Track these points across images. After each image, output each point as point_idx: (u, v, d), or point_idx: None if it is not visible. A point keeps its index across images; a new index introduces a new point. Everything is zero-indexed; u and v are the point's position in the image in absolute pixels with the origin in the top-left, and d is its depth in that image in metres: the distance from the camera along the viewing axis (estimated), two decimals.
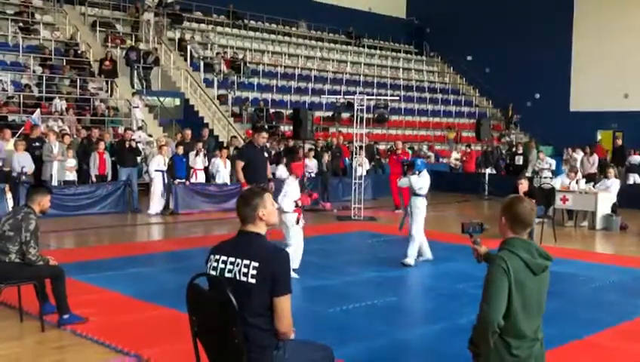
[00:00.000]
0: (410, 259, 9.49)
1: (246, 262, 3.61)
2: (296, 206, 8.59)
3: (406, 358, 5.73)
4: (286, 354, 3.66)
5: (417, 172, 9.72)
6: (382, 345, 6.02)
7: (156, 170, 15.07)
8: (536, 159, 19.65)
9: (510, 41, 30.76)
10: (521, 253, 3.55)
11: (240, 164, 10.34)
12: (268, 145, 19.38)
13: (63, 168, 14.80)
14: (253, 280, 3.56)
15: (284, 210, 8.49)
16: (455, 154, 23.67)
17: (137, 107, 20.18)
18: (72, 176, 15.08)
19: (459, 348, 5.93)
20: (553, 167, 17.26)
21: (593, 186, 14.85)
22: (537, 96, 31.23)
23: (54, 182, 14.50)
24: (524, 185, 11.91)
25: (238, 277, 3.60)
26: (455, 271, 9.33)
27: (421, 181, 9.61)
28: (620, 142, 22.23)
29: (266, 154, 10.93)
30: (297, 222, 8.63)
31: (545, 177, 17.57)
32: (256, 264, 3.58)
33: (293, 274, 8.60)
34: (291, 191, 8.63)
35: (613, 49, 28.01)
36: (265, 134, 11.08)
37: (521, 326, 3.50)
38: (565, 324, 6.36)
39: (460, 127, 29.77)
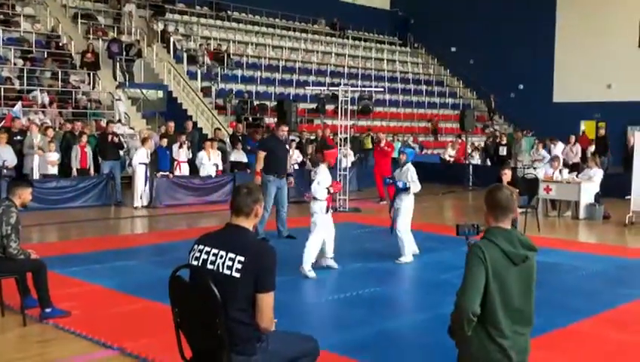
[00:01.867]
0: (406, 257, 9.27)
1: (231, 255, 3.56)
2: (328, 193, 8.64)
3: (391, 348, 5.73)
4: (270, 345, 3.65)
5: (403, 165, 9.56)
6: (366, 335, 6.02)
7: (140, 163, 14.97)
8: (530, 150, 19.73)
9: (494, 32, 30.83)
10: (500, 241, 3.49)
11: (261, 153, 10.52)
12: (258, 137, 19.41)
13: (44, 161, 14.67)
14: (237, 274, 3.51)
15: (317, 198, 8.60)
16: (450, 151, 23.52)
17: (120, 100, 20.04)
18: (53, 169, 14.94)
19: (442, 338, 5.96)
20: (546, 161, 17.29)
21: (576, 176, 14.94)
22: (521, 87, 31.37)
23: (36, 176, 14.38)
24: (507, 175, 11.94)
25: (221, 270, 3.55)
26: (439, 262, 9.36)
27: (414, 175, 9.23)
28: (602, 132, 22.37)
29: (287, 147, 11.09)
30: (327, 211, 8.69)
31: (528, 167, 17.64)
32: (242, 258, 3.54)
33: (332, 264, 8.69)
34: (324, 178, 8.65)
35: (596, 40, 28.17)
36: (285, 127, 11.32)
37: (499, 316, 3.46)
38: (548, 313, 6.38)
39: (445, 118, 29.84)
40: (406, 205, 9.32)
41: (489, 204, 3.64)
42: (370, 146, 22.47)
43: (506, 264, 3.47)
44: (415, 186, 9.27)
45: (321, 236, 8.60)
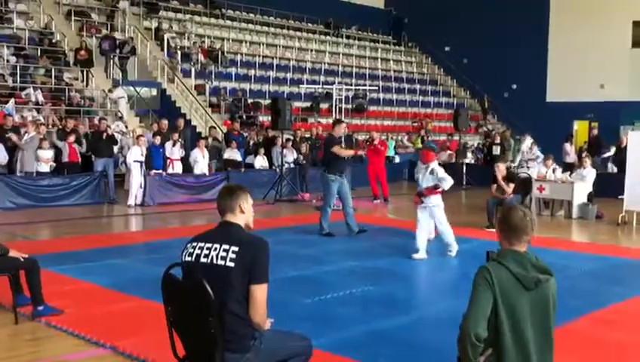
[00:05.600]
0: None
1: (225, 246, 3.59)
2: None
3: (384, 347, 5.73)
4: (263, 344, 3.64)
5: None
6: (360, 334, 6.01)
7: (135, 161, 14.94)
8: (517, 149, 19.76)
9: (488, 32, 30.85)
10: (510, 264, 3.29)
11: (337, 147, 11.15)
12: (246, 135, 19.42)
13: (34, 158, 14.56)
14: (231, 264, 3.53)
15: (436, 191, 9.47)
16: (444, 156, 23.58)
17: (123, 97, 20.01)
18: (47, 167, 14.87)
19: (435, 338, 5.97)
20: (540, 160, 17.33)
21: (570, 175, 14.99)
22: (514, 86, 31.40)
23: (28, 170, 14.35)
24: (501, 169, 12.01)
25: (215, 261, 3.57)
26: (433, 262, 9.36)
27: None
28: (595, 132, 22.43)
29: (342, 145, 11.74)
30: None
31: (522, 166, 17.66)
32: (236, 248, 3.57)
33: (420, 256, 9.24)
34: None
35: (589, 40, 28.21)
36: (344, 125, 11.88)
37: (508, 343, 3.24)
38: None
39: (438, 117, 29.84)
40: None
41: (501, 226, 3.42)
42: (420, 145, 23.02)
43: (516, 288, 3.26)
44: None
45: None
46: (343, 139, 11.83)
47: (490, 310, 3.23)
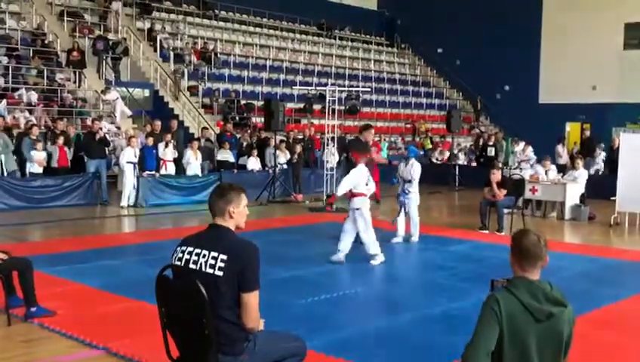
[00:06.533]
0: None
1: (214, 254, 3.56)
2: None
3: (377, 347, 5.74)
4: (257, 345, 3.63)
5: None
6: (352, 335, 6.02)
7: (128, 162, 14.91)
8: (512, 151, 19.87)
9: (480, 33, 30.91)
10: (521, 294, 3.12)
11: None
12: (238, 136, 19.41)
13: (9, 159, 14.48)
14: (220, 273, 3.50)
15: (361, 194, 9.06)
16: (437, 154, 23.71)
17: (118, 98, 19.97)
18: (39, 169, 14.81)
19: (428, 337, 5.98)
20: (532, 162, 17.37)
21: (562, 177, 15.04)
22: (507, 88, 31.48)
23: (9, 169, 14.32)
24: (496, 175, 12.09)
25: (204, 269, 3.55)
26: (425, 261, 9.38)
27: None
28: (588, 133, 22.51)
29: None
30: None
31: (515, 168, 17.72)
32: (225, 257, 3.53)
33: (335, 257, 9.03)
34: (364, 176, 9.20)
35: (582, 42, 28.30)
36: (373, 131, 11.53)
37: None
38: None
39: (431, 118, 29.89)
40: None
41: (515, 251, 3.26)
42: (430, 146, 23.13)
43: (526, 319, 3.10)
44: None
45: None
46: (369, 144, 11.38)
47: (496, 341, 3.09)
